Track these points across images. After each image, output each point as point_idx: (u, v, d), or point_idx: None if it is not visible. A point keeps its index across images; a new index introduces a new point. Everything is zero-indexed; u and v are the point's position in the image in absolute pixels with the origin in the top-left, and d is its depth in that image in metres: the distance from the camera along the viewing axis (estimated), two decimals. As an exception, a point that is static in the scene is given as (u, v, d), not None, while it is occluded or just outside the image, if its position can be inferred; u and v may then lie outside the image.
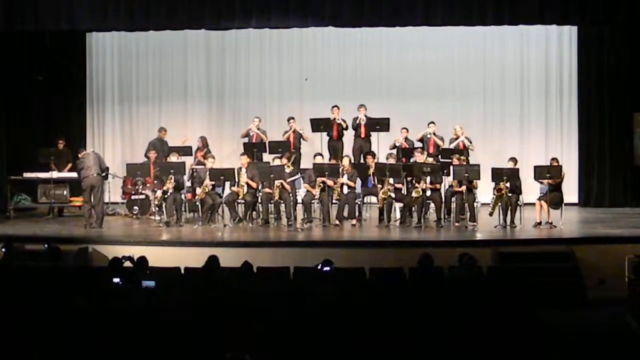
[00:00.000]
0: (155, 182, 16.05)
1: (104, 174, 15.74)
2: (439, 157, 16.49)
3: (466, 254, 10.69)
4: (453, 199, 15.29)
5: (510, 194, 14.76)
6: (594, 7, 15.63)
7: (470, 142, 16.84)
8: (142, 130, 19.50)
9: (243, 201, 15.51)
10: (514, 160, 15.26)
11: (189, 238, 14.48)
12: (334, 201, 15.36)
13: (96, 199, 15.19)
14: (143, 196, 16.67)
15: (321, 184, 15.10)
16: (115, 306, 8.54)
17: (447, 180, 15.66)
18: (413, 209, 15.24)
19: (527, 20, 16.09)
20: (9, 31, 16.34)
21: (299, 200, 15.67)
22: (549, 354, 8.19)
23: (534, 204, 15.22)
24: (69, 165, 17.24)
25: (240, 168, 15.51)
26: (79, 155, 15.44)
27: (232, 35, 18.93)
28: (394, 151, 16.60)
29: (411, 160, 16.07)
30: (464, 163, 15.70)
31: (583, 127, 18.32)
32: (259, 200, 15.45)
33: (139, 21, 16.20)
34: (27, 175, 16.91)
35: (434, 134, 16.98)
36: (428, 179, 15.03)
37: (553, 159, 15.75)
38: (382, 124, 16.97)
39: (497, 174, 14.82)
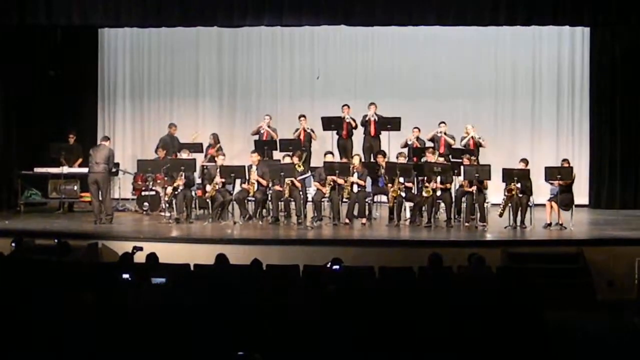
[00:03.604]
0: (166, 178, 16.06)
1: (113, 170, 15.78)
2: (450, 157, 16.47)
3: (475, 254, 10.68)
4: (463, 199, 15.26)
5: (520, 195, 14.75)
6: (608, 8, 15.62)
7: (481, 138, 16.82)
8: (153, 127, 19.55)
9: (253, 199, 15.52)
10: (525, 161, 15.23)
11: (198, 235, 14.49)
12: (344, 200, 15.38)
13: (102, 195, 15.22)
14: (153, 192, 16.71)
15: (331, 183, 15.12)
16: (123, 302, 8.54)
17: (458, 180, 15.63)
18: (423, 208, 15.24)
19: (540, 21, 16.10)
20: (22, 25, 16.41)
21: (309, 199, 15.67)
22: (557, 356, 8.17)
23: (544, 205, 15.19)
24: (80, 160, 17.25)
25: (251, 165, 15.53)
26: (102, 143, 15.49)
27: (244, 32, 18.94)
28: (405, 150, 16.59)
29: (422, 160, 16.05)
30: (475, 163, 15.69)
31: (594, 128, 18.27)
32: (269, 198, 15.47)
33: (151, 18, 16.29)
34: (37, 170, 16.94)
35: (445, 133, 16.96)
36: (438, 178, 15.02)
37: (564, 160, 15.70)
38: (393, 123, 16.97)
39: (508, 175, 14.81)
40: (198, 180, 16.07)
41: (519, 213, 14.77)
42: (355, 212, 15.34)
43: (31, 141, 17.92)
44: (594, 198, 18.11)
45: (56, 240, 12.38)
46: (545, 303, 9.70)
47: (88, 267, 11.53)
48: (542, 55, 18.83)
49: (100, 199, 15.23)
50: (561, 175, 14.90)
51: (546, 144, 18.71)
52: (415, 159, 16.41)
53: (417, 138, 16.98)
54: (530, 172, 15.07)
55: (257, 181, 15.37)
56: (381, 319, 8.05)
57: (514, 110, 18.98)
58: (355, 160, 15.56)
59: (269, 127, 17.44)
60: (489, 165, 15.20)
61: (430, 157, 15.63)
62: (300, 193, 15.35)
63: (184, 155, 16.12)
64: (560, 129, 18.81)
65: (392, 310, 8.36)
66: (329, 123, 17.16)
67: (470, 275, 10.34)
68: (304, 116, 17.50)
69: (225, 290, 9.04)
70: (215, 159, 16.14)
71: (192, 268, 11.17)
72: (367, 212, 15.42)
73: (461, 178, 15.42)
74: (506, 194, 14.85)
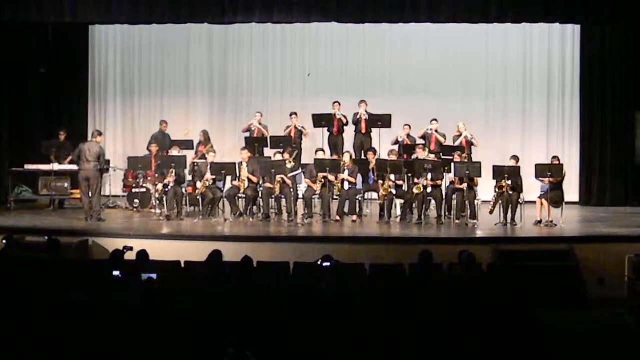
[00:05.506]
0: (157, 175, 16.04)
1: (105, 167, 15.75)
2: (441, 154, 16.47)
3: (466, 251, 10.68)
4: (454, 196, 15.27)
5: (511, 192, 14.76)
6: (598, 6, 15.65)
7: (473, 138, 16.83)
8: (143, 124, 19.51)
9: (244, 196, 15.51)
10: (515, 158, 15.23)
11: (189, 232, 14.46)
12: (334, 197, 15.38)
13: (92, 192, 15.17)
14: (144, 189, 16.67)
15: (322, 180, 15.11)
16: (114, 299, 8.53)
17: (449, 177, 15.65)
18: (414, 205, 15.24)
19: (531, 18, 16.13)
20: (13, 22, 16.36)
21: (300, 196, 15.67)
22: (548, 353, 8.19)
23: (534, 202, 15.20)
24: (70, 157, 17.20)
25: (242, 162, 15.52)
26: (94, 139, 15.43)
27: (235, 30, 18.89)
28: (396, 147, 16.58)
29: (413, 157, 16.05)
30: (466, 160, 15.70)
31: (585, 125, 18.31)
32: (260, 195, 15.46)
33: (142, 15, 16.24)
34: (28, 167, 16.90)
35: (436, 131, 16.96)
36: (429, 175, 15.03)
37: (554, 157, 15.74)
38: (384, 121, 16.96)
39: (499, 172, 14.82)
40: (189, 177, 16.05)
41: (510, 210, 14.79)
42: (346, 209, 15.35)
43: (22, 138, 17.88)
44: (584, 195, 18.16)
45: (46, 238, 12.36)
46: (536, 301, 9.74)
47: (78, 265, 11.52)
48: (533, 53, 18.85)
49: (91, 196, 15.19)
50: (551, 172, 14.92)
51: (537, 142, 18.73)
52: (405, 156, 16.39)
53: (408, 135, 16.96)
54: (521, 169, 15.07)
55: (248, 178, 15.36)
56: (372, 318, 8.07)
57: (505, 108, 19.00)
58: (346, 158, 15.56)
59: (260, 124, 17.43)
60: (480, 163, 15.19)
61: (420, 154, 15.63)
62: (291, 190, 15.34)
63: (175, 152, 16.11)
64: (550, 127, 18.84)
65: (382, 308, 8.37)
66: (320, 120, 17.15)
67: (461, 273, 10.34)
68: (295, 114, 17.47)
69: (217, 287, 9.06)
70: (206, 155, 16.13)
71: (182, 265, 11.17)
72: (357, 209, 15.44)
73: (452, 175, 15.44)
74: (497, 191, 14.87)
